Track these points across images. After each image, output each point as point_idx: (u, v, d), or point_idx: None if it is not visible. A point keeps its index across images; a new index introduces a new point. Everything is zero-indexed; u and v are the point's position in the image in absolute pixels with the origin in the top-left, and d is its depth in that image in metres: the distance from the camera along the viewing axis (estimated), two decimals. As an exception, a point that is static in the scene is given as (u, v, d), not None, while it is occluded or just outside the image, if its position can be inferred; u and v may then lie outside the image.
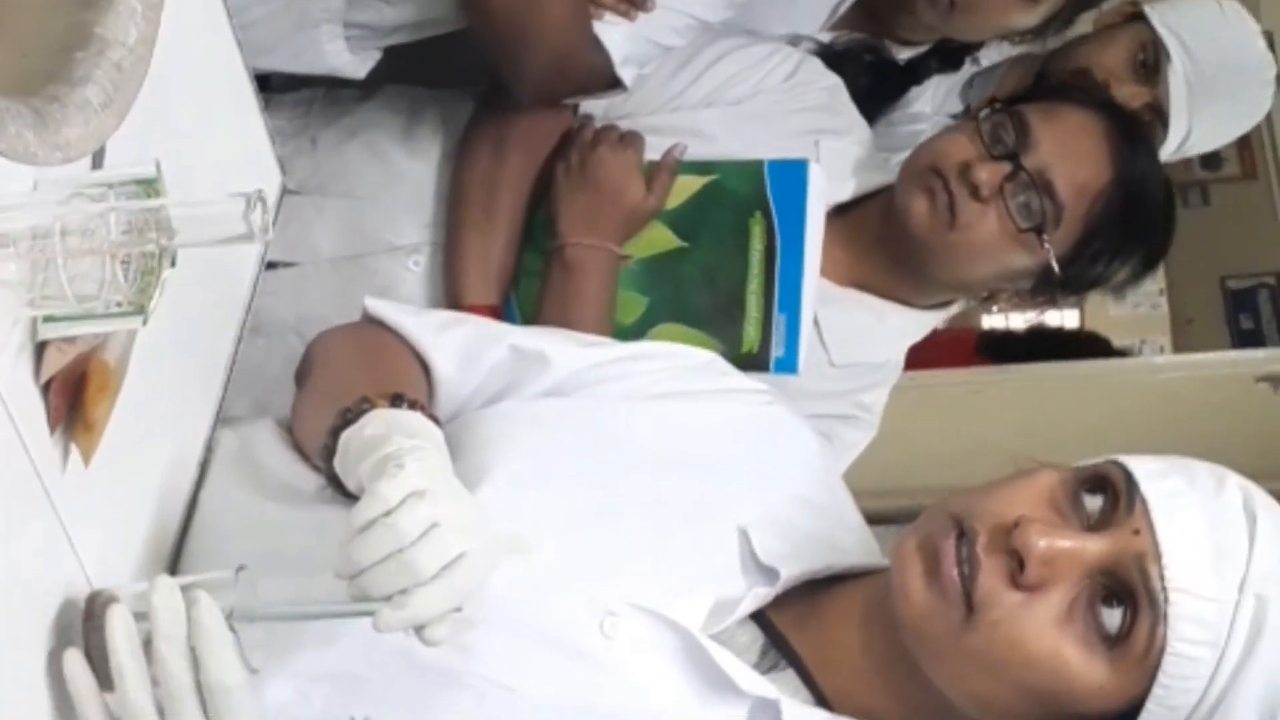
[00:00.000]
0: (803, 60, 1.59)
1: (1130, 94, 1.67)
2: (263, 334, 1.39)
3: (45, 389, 0.82)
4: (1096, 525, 0.92)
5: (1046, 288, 1.50)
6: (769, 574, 0.97)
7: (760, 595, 0.97)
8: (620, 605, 0.93)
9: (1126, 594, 0.89)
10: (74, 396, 0.84)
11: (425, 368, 1.08)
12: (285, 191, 1.15)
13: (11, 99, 0.67)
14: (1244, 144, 3.66)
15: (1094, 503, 0.92)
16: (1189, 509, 0.90)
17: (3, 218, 0.76)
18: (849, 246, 1.55)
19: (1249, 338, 3.59)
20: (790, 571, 0.97)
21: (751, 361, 1.44)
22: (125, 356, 0.88)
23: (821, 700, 0.97)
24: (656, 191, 1.48)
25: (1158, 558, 0.88)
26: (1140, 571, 0.89)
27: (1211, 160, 3.55)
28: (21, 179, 0.78)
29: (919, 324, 1.60)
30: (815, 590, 0.99)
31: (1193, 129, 1.74)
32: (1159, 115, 1.74)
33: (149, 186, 0.81)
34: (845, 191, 1.55)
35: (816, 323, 1.51)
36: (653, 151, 1.50)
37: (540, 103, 1.51)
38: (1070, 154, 1.44)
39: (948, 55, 1.79)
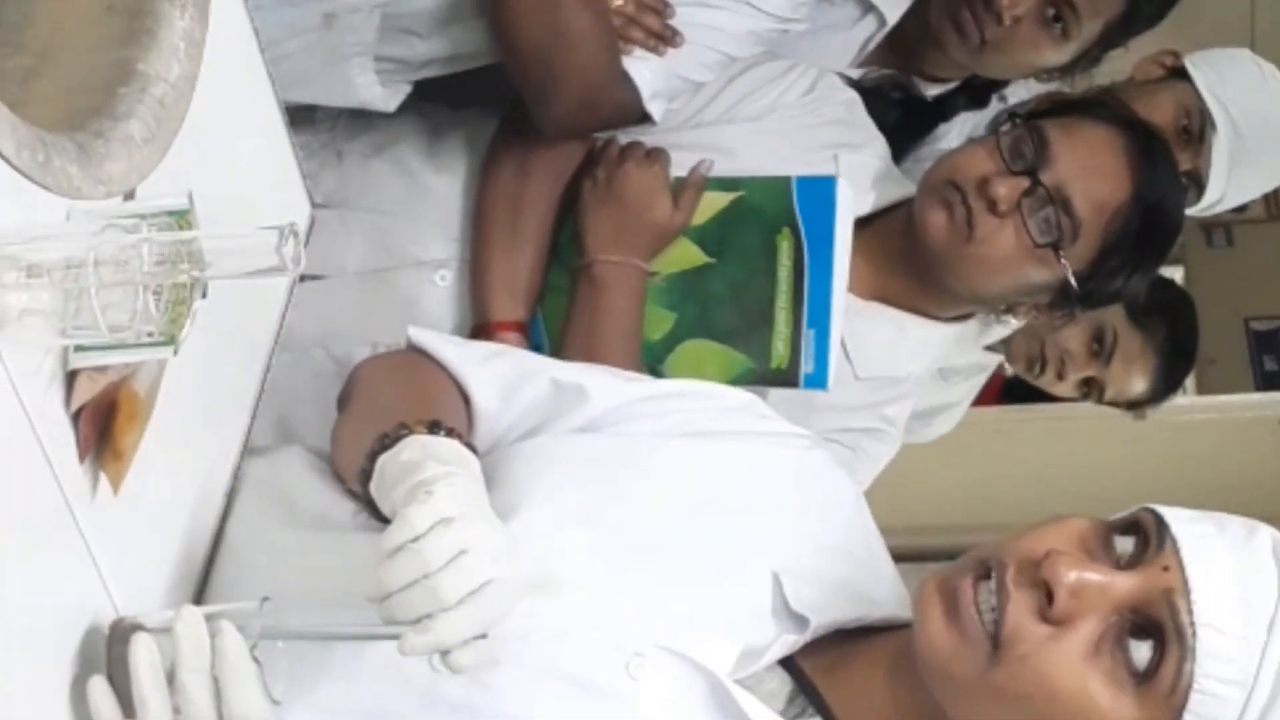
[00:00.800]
0: (820, 75, 1.60)
1: None
2: (287, 348, 1.38)
3: (76, 417, 0.83)
4: (1127, 565, 0.91)
5: (1064, 302, 1.50)
6: (799, 621, 0.97)
7: (789, 642, 0.96)
8: (648, 647, 0.93)
9: (1154, 630, 0.89)
10: (104, 425, 0.85)
11: (465, 398, 1.08)
12: (312, 206, 1.16)
13: (56, 134, 0.68)
14: (1269, 185, 3.66)
15: (1125, 544, 0.92)
16: (1219, 551, 0.90)
17: (36, 248, 0.77)
18: (870, 259, 1.55)
19: (1272, 380, 3.56)
20: (821, 620, 0.97)
21: (781, 377, 1.45)
22: (155, 386, 0.88)
23: None
24: (683, 208, 1.48)
25: (1186, 593, 0.88)
26: (1169, 606, 0.88)
27: (1236, 202, 3.55)
28: (55, 210, 0.79)
29: (941, 336, 1.60)
30: (845, 639, 0.99)
31: (1226, 194, 1.74)
32: (1195, 181, 1.74)
33: (181, 218, 0.82)
34: (865, 205, 1.55)
35: (842, 340, 1.50)
36: (677, 169, 1.51)
37: (570, 136, 1.52)
38: (1089, 170, 1.44)
39: (975, 92, 1.79)
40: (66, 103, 0.71)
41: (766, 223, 1.49)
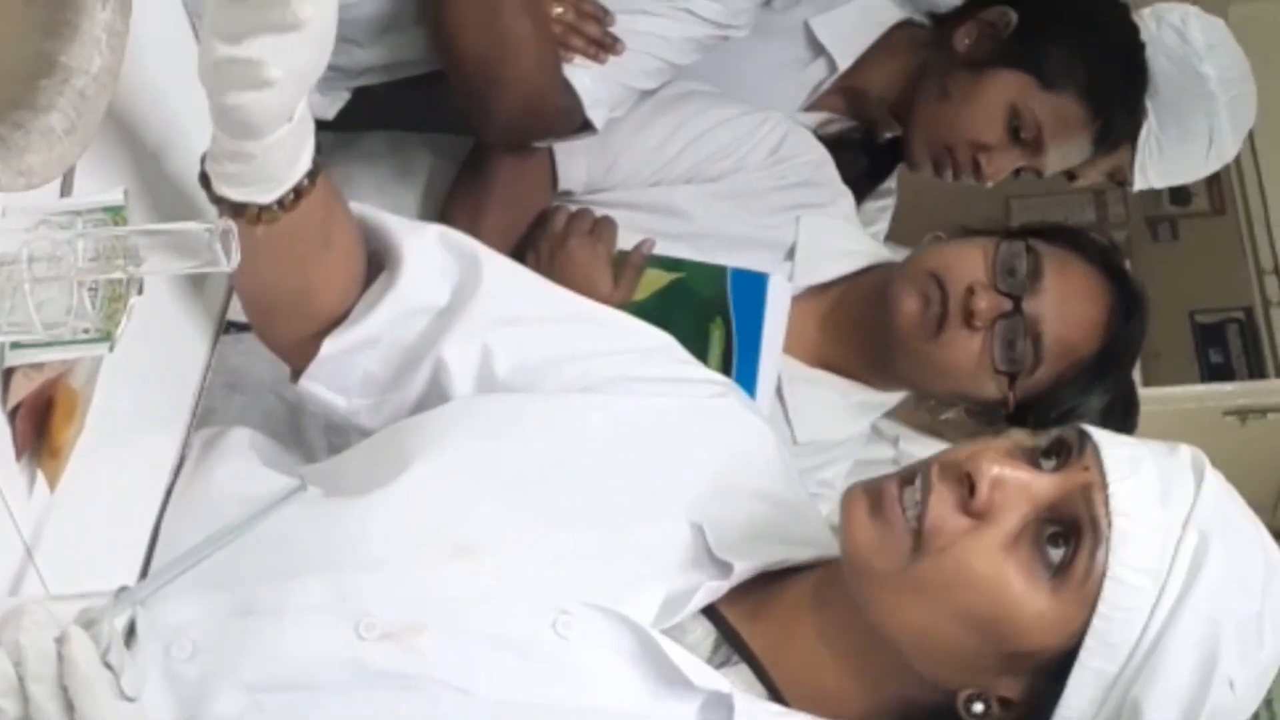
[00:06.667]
0: (788, 133, 1.61)
1: None
2: (240, 391, 1.39)
3: (12, 415, 0.83)
4: (1051, 468, 0.94)
5: (996, 415, 1.53)
6: (722, 567, 0.98)
7: (713, 589, 0.97)
8: (572, 604, 0.94)
9: (1072, 527, 0.92)
10: (40, 422, 0.85)
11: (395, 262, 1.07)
12: None
13: (-26, 126, 0.68)
14: (1213, 179, 3.69)
15: (1050, 464, 0.95)
16: (1139, 457, 0.93)
17: (-31, 244, 0.77)
18: (822, 325, 1.57)
19: (1218, 372, 3.61)
20: (743, 565, 0.98)
21: None
22: (91, 381, 0.88)
23: (775, 694, 0.98)
24: (623, 287, 1.50)
25: (1104, 486, 0.91)
26: (1086, 500, 0.91)
27: (1180, 195, 3.59)
28: (-12, 207, 0.79)
29: (882, 401, 1.62)
30: (768, 583, 1.00)
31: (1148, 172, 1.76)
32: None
33: (117, 214, 0.82)
34: (826, 272, 1.57)
35: (782, 401, 1.53)
36: (631, 230, 1.52)
37: (512, 145, 1.53)
38: (1068, 313, 1.47)
39: None
40: (-15, 95, 0.72)
41: (702, 308, 1.52)
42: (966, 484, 0.92)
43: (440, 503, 0.97)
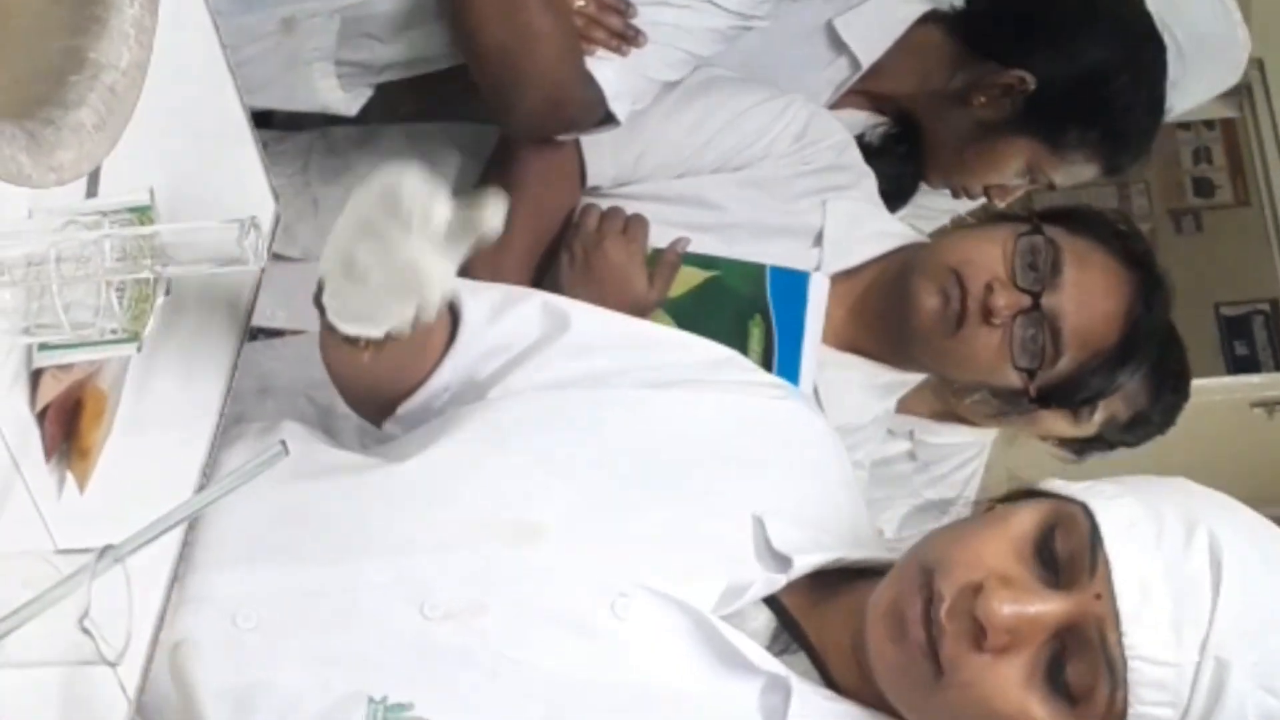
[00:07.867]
0: (812, 117, 1.60)
1: None
2: (272, 396, 1.40)
3: (41, 416, 0.83)
4: (1062, 581, 0.92)
5: (1019, 403, 1.53)
6: (783, 562, 0.99)
7: (772, 580, 0.98)
8: (631, 587, 0.95)
9: (1087, 655, 0.90)
10: (69, 423, 0.85)
11: (454, 317, 1.11)
12: (276, 201, 1.16)
13: (5, 122, 0.68)
14: (1237, 171, 3.69)
15: (1063, 550, 0.93)
16: (1151, 570, 0.89)
17: (-2, 245, 0.77)
18: (851, 308, 1.57)
19: (1244, 364, 3.60)
20: (804, 560, 0.99)
21: None
22: (119, 382, 0.88)
23: (831, 685, 0.98)
24: (658, 285, 1.50)
25: (1117, 624, 0.88)
26: (1100, 635, 0.89)
27: (1205, 187, 3.58)
28: (16, 207, 0.79)
29: (907, 380, 1.62)
30: (827, 580, 1.01)
31: (1173, 106, 1.76)
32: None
33: (143, 214, 0.82)
34: (855, 257, 1.57)
35: (814, 387, 1.53)
36: (656, 221, 1.52)
37: (535, 138, 1.52)
38: (1088, 307, 1.45)
39: None
40: (16, 92, 0.71)
41: (740, 306, 1.51)
42: (978, 625, 0.90)
43: (502, 485, 0.99)
